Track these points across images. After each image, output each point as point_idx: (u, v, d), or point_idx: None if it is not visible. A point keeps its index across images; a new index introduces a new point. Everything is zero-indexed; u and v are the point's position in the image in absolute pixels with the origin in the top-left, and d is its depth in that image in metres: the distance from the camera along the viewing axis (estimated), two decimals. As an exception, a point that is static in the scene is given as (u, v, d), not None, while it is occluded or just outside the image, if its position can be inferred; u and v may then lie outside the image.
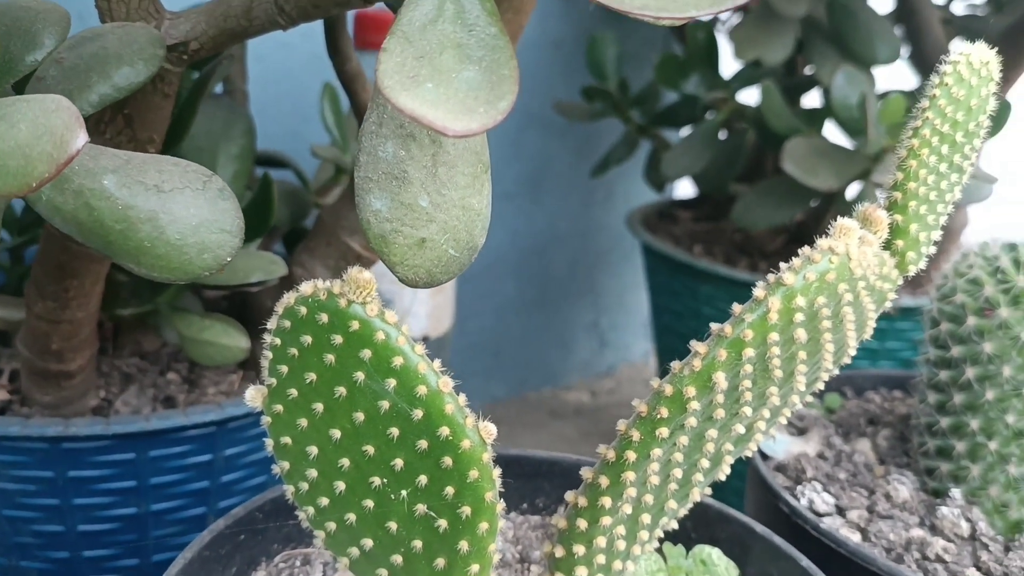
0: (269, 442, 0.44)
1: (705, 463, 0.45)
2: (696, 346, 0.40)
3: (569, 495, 0.46)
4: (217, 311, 0.76)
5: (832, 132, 0.97)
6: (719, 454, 0.45)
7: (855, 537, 0.58)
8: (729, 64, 1.03)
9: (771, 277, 0.39)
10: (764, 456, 0.66)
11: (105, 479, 0.65)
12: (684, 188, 1.26)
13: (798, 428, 0.70)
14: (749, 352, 0.39)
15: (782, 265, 0.40)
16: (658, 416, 0.40)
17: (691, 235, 1.08)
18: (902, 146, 0.47)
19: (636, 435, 0.41)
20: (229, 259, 0.42)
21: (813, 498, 0.61)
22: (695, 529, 0.58)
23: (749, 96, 1.06)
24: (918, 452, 0.64)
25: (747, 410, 0.42)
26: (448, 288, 1.00)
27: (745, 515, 0.57)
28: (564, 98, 1.16)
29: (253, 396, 0.43)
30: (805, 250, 0.40)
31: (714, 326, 0.40)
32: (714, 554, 0.56)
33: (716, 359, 0.39)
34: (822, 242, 0.40)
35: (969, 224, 1.02)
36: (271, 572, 0.55)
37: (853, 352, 0.46)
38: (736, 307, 0.39)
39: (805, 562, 0.53)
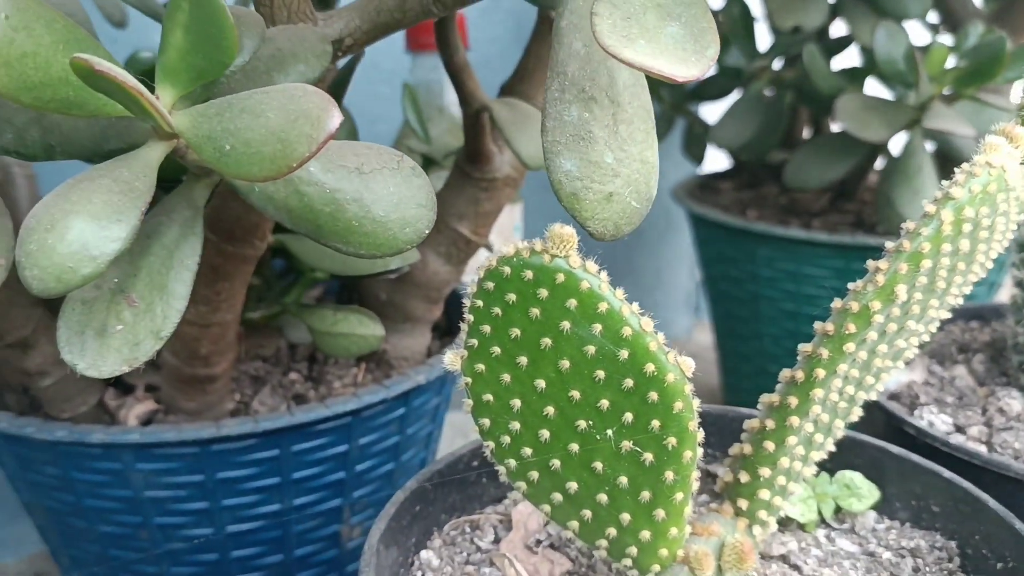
0: (468, 402, 0.47)
1: (870, 379, 0.48)
2: (876, 264, 0.43)
3: (751, 422, 0.49)
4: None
5: (870, 88, 1.01)
6: (880, 370, 0.49)
7: (982, 450, 0.61)
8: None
9: (938, 193, 0.43)
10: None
11: (252, 477, 0.67)
12: (714, 162, 1.30)
13: (901, 359, 0.74)
14: (926, 264, 0.42)
15: (943, 183, 0.43)
16: (846, 332, 0.43)
17: (738, 203, 1.12)
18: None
19: (825, 352, 0.44)
20: (427, 231, 0.45)
21: (932, 420, 0.64)
22: (831, 458, 0.61)
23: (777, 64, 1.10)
24: (1018, 370, 0.67)
25: (912, 323, 0.46)
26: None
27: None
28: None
29: (452, 360, 0.46)
30: (964, 166, 0.43)
31: (889, 245, 0.43)
32: (856, 478, 0.59)
33: (898, 272, 0.42)
34: (979, 158, 0.43)
35: None
36: (445, 539, 0.58)
37: (990, 265, 0.49)
38: (910, 224, 0.43)
39: (947, 473, 0.56)
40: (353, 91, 0.97)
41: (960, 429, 0.64)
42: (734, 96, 1.11)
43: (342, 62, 0.62)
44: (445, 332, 0.82)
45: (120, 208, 0.39)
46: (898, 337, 0.46)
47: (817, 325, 0.45)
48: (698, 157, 1.19)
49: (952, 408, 0.66)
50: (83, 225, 0.38)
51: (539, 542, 0.57)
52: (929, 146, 0.96)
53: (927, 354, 0.74)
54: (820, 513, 0.58)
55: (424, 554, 0.55)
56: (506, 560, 0.54)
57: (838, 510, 0.59)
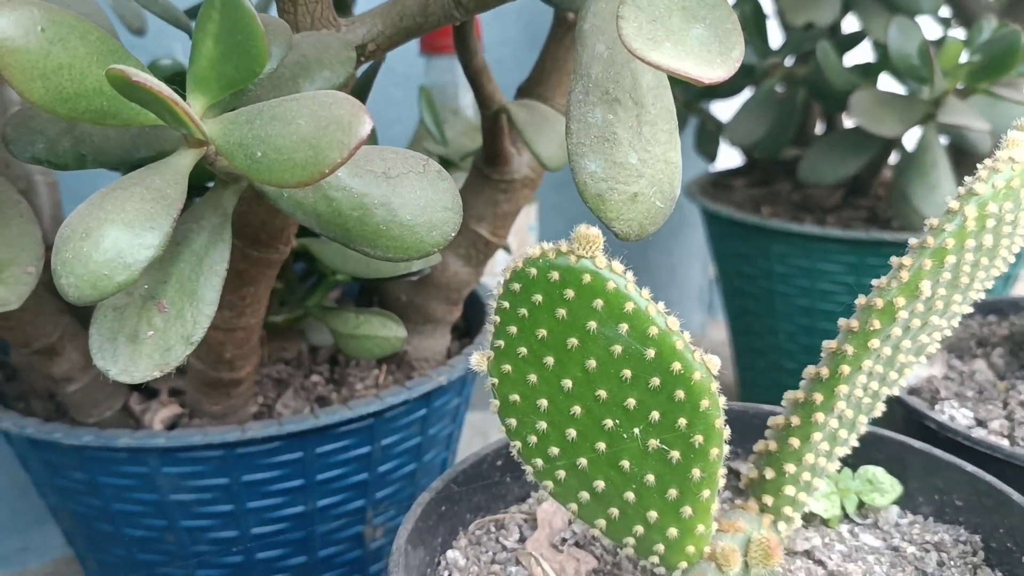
0: (495, 403, 0.47)
1: (893, 375, 0.49)
2: (900, 261, 0.43)
3: (775, 419, 0.49)
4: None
5: (884, 84, 1.01)
6: (903, 365, 0.49)
7: (1004, 443, 0.62)
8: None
9: (961, 189, 0.43)
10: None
11: (276, 480, 0.68)
12: (727, 160, 1.30)
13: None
14: (950, 260, 0.42)
15: (966, 178, 0.44)
16: (871, 328, 0.44)
17: (751, 200, 1.12)
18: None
19: (850, 349, 0.44)
20: (453, 234, 0.46)
21: (953, 414, 0.65)
22: (853, 453, 0.61)
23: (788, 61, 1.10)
24: (1039, 363, 0.68)
25: (935, 318, 0.46)
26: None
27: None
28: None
29: (479, 361, 0.47)
30: (987, 162, 0.43)
31: (912, 241, 0.44)
32: (878, 473, 0.60)
33: (922, 268, 0.43)
34: (1001, 153, 0.43)
35: None
36: (471, 539, 0.58)
37: (1012, 260, 0.50)
38: (933, 221, 0.43)
39: (970, 467, 0.57)
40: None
41: (981, 423, 0.64)
42: (746, 93, 1.11)
43: (363, 67, 0.63)
44: (464, 333, 0.83)
45: (153, 216, 0.40)
46: (921, 332, 0.47)
47: (842, 322, 0.45)
48: (711, 155, 1.20)
49: (972, 402, 0.66)
50: (117, 233, 0.39)
51: (564, 541, 0.57)
52: (943, 140, 0.96)
53: (946, 348, 0.75)
54: (843, 508, 0.59)
55: (451, 554, 0.56)
56: (532, 559, 0.54)
57: (861, 505, 0.59)
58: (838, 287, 1.01)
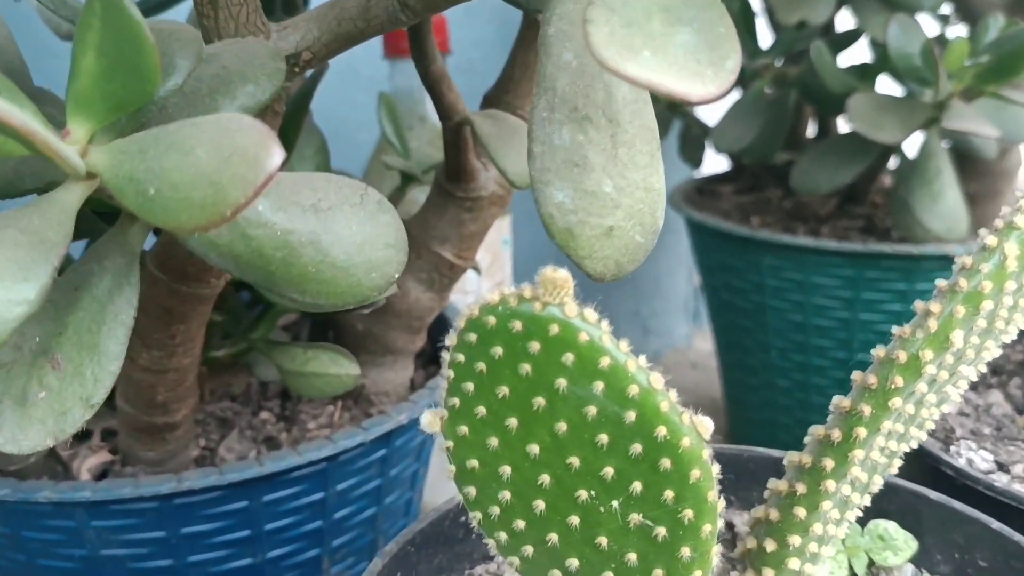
0: (451, 468, 0.41)
1: (914, 431, 0.42)
2: (926, 306, 0.37)
3: (778, 484, 0.43)
4: (295, 339, 0.73)
5: (882, 86, 0.95)
6: (925, 420, 0.43)
7: (1028, 492, 0.55)
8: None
9: (998, 222, 0.36)
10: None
11: (219, 532, 0.61)
12: (713, 164, 1.24)
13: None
14: (987, 305, 0.36)
15: (1004, 209, 0.37)
16: (892, 386, 0.37)
17: (740, 208, 1.06)
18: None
19: (867, 410, 0.38)
20: (397, 275, 0.39)
21: (971, 457, 0.58)
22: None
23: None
24: (1059, 396, 0.61)
25: (963, 367, 0.40)
26: (507, 279, 0.97)
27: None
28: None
29: (430, 421, 0.40)
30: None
31: (940, 283, 0.37)
32: (890, 528, 0.53)
33: (953, 316, 0.36)
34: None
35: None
36: (433, 606, 0.52)
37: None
38: (966, 259, 0.36)
39: (995, 524, 0.50)
40: (332, 99, 0.91)
41: (1003, 467, 0.58)
42: (734, 96, 1.05)
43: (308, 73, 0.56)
44: (430, 360, 0.76)
45: (27, 265, 0.33)
46: (948, 384, 0.40)
47: (856, 376, 0.39)
48: (696, 160, 1.13)
49: (991, 441, 0.60)
50: (-17, 286, 0.32)
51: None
52: (945, 145, 0.90)
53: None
54: (851, 569, 0.52)
55: (408, 628, 0.49)
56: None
57: (871, 564, 0.53)
58: (834, 302, 0.95)
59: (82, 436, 0.65)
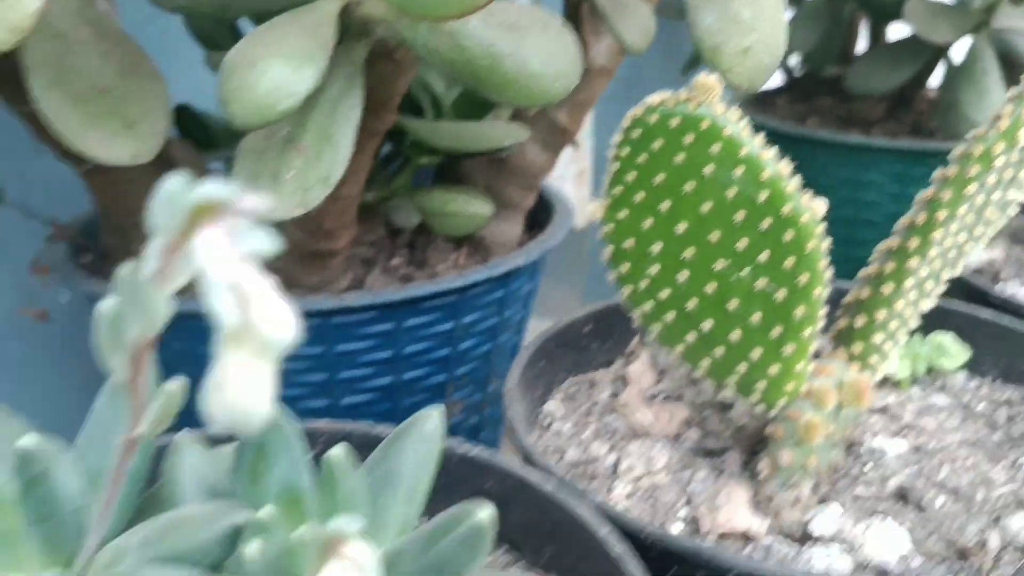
0: (608, 249, 0.50)
1: (980, 229, 0.52)
2: (997, 109, 0.46)
3: (867, 269, 0.52)
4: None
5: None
6: (989, 221, 0.52)
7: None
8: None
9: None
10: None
11: (367, 351, 0.71)
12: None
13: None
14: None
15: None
16: (968, 175, 0.47)
17: (795, 115, 1.15)
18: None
19: (947, 195, 0.47)
20: (575, 85, 0.49)
21: (1015, 292, 0.68)
22: (922, 321, 0.64)
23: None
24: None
25: (1022, 174, 0.49)
26: (586, 184, 1.07)
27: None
28: None
29: (595, 209, 0.50)
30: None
31: (1011, 92, 0.46)
32: (947, 339, 0.63)
33: (1021, 117, 0.45)
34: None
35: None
36: (566, 394, 0.62)
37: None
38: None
39: (1037, 333, 0.60)
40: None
41: (1042, 300, 0.68)
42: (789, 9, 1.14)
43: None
44: (532, 225, 0.86)
45: (311, 51, 0.43)
46: (1011, 186, 0.49)
47: (938, 173, 0.48)
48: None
49: (1032, 281, 0.70)
50: (281, 64, 0.42)
51: (654, 397, 0.61)
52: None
53: (1006, 235, 0.78)
54: (914, 370, 0.62)
55: (548, 405, 0.59)
56: (629, 408, 0.58)
57: (930, 371, 0.63)
58: (883, 197, 1.04)
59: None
